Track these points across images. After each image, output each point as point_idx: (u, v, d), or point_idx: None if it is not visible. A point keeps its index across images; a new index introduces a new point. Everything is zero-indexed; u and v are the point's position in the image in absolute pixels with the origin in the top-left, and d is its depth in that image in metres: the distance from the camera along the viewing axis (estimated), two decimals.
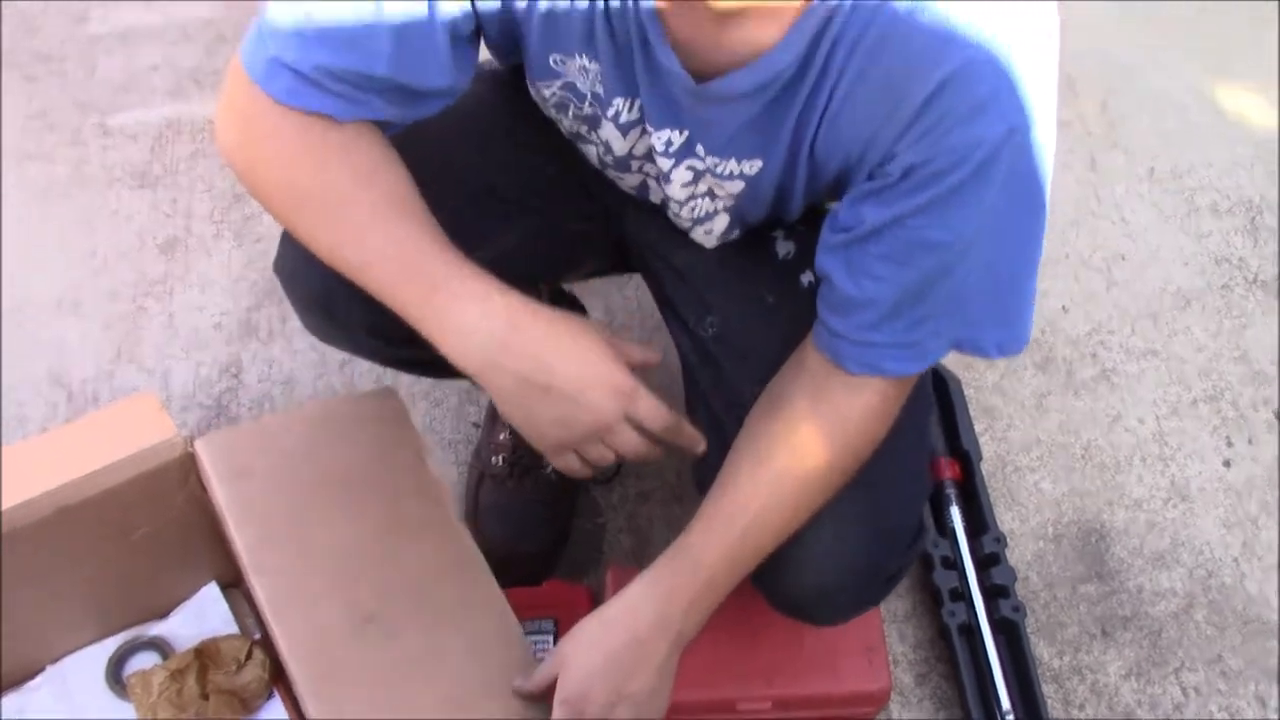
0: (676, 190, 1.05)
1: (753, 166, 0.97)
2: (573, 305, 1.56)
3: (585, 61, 0.96)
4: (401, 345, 1.00)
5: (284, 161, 0.96)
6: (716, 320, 1.15)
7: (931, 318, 0.94)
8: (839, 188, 0.95)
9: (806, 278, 1.12)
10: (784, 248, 1.14)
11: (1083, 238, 1.82)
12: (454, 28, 0.94)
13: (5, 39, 2.00)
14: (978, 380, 1.66)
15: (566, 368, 0.93)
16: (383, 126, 0.98)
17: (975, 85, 0.83)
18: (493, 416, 1.53)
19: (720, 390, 1.13)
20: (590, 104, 1.01)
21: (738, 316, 1.13)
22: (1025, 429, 1.63)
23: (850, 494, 1.01)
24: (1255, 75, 2.03)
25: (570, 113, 1.04)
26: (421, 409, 1.61)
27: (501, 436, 1.50)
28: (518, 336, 0.92)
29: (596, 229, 1.25)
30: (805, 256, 1.12)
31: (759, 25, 0.86)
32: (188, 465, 1.23)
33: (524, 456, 1.47)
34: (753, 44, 0.87)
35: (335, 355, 1.64)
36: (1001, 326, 0.97)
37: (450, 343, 0.93)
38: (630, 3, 0.90)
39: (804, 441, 0.98)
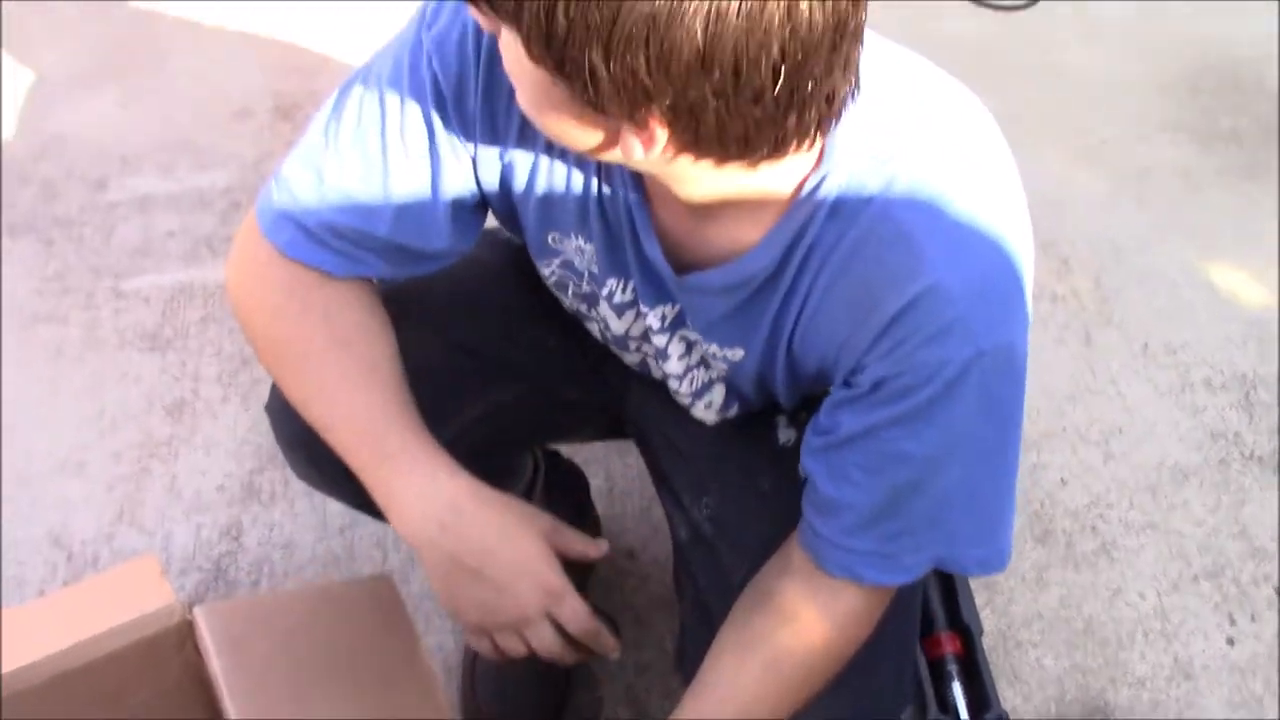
0: (674, 365, 1.07)
1: (735, 354, 1.00)
2: (570, 471, 1.57)
3: (581, 242, 0.99)
4: None
5: (270, 310, 1.01)
6: (712, 502, 1.16)
7: (908, 532, 0.94)
8: (823, 381, 0.97)
9: None
10: (785, 434, 1.15)
11: (1079, 411, 1.84)
12: (457, 200, 0.98)
13: (25, 205, 2.05)
14: None
15: (499, 557, 0.96)
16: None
17: (944, 307, 0.83)
18: None
19: (710, 572, 1.13)
20: (588, 282, 1.04)
21: (734, 501, 1.14)
22: (1026, 603, 1.62)
23: (833, 685, 1.00)
24: (1244, 254, 2.08)
25: (570, 290, 1.07)
26: (420, 575, 1.60)
27: None
28: (456, 519, 0.95)
29: (595, 400, 1.26)
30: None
31: (737, 225, 0.89)
32: (185, 632, 1.22)
33: None
34: (732, 242, 0.90)
35: (335, 520, 1.65)
36: (980, 544, 0.96)
37: (394, 512, 0.97)
38: (620, 191, 0.93)
39: (789, 640, 0.97)
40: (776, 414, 1.15)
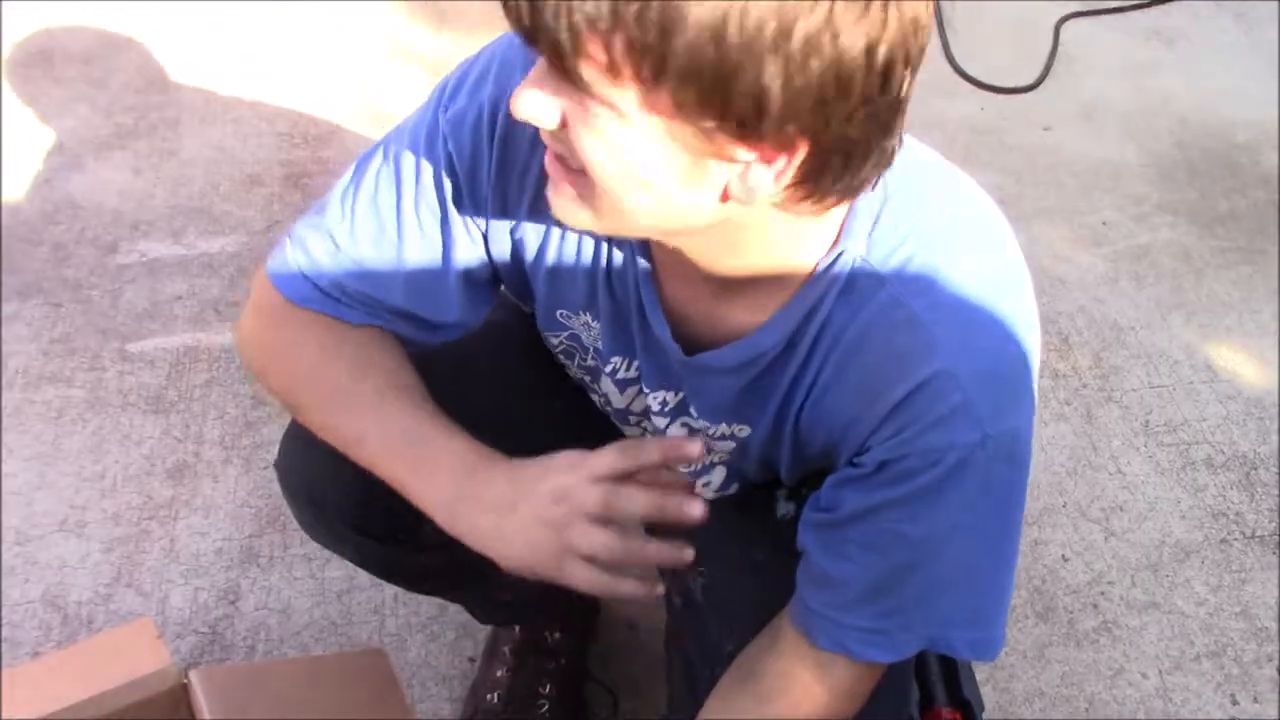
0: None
1: (741, 430, 1.00)
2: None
3: (589, 319, 1.01)
4: (387, 543, 1.02)
5: (288, 344, 1.02)
6: (707, 571, 1.15)
7: (902, 610, 0.94)
8: (828, 459, 0.97)
9: None
10: (784, 508, 1.15)
11: (1081, 488, 1.84)
12: (469, 272, 1.00)
13: (35, 268, 2.07)
14: None
15: (527, 471, 0.90)
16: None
17: (951, 392, 0.84)
18: (490, 653, 1.51)
19: (699, 640, 1.12)
20: (593, 357, 1.05)
21: (727, 570, 1.13)
22: (1028, 680, 1.61)
23: None
24: (1245, 334, 2.09)
25: (576, 361, 1.09)
26: (418, 641, 1.59)
27: (499, 674, 1.48)
28: (487, 464, 0.91)
29: None
30: None
31: (754, 303, 0.90)
32: (179, 695, 1.22)
33: (520, 693, 1.45)
34: (742, 323, 0.91)
35: (334, 585, 1.64)
36: (974, 628, 0.96)
37: (425, 493, 0.92)
38: (630, 268, 0.94)
39: (775, 716, 0.97)
40: (777, 488, 1.16)
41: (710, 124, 0.69)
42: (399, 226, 0.97)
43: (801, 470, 1.04)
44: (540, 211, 0.95)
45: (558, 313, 1.03)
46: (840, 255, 0.85)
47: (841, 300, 0.87)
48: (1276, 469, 1.88)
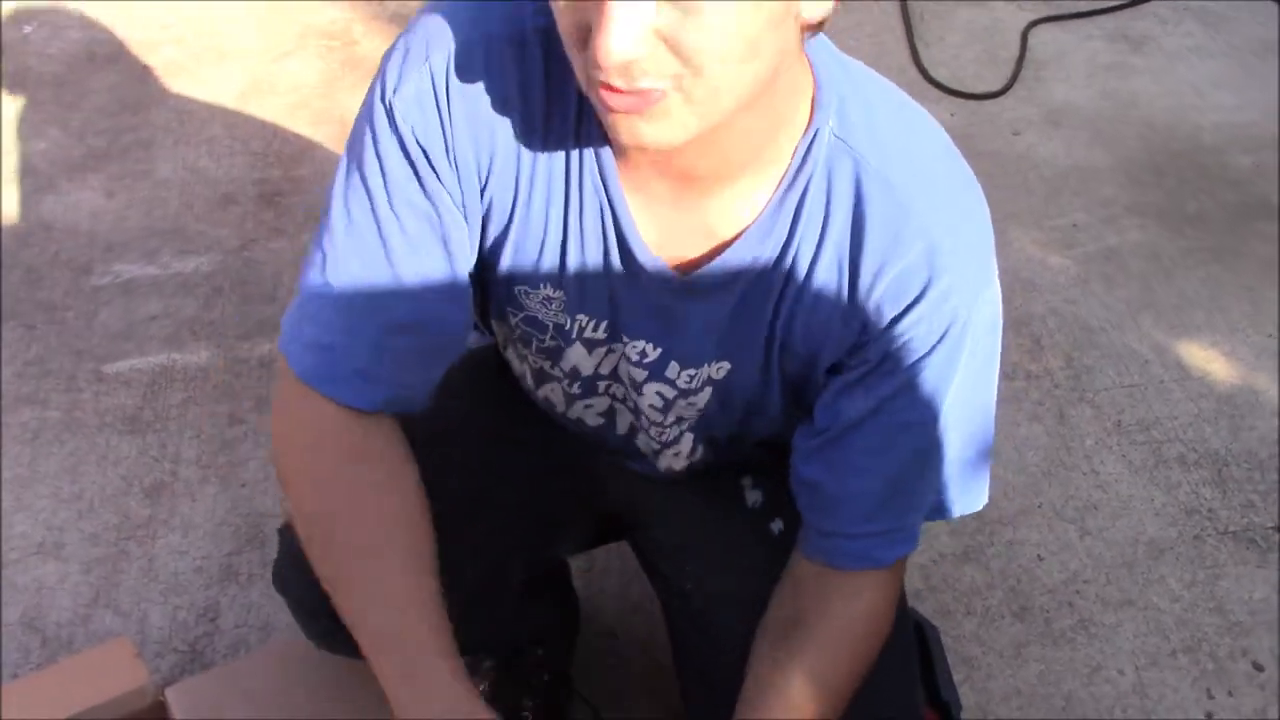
0: (649, 400, 1.06)
1: (721, 370, 1.00)
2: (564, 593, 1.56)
3: (550, 291, 0.99)
4: None
5: (302, 474, 1.00)
6: (693, 569, 1.17)
7: (915, 502, 0.97)
8: (807, 380, 0.97)
9: (776, 525, 1.14)
10: (752, 496, 1.17)
11: (1055, 488, 1.85)
12: (462, 251, 0.97)
13: (9, 291, 2.07)
14: (956, 629, 1.66)
15: None
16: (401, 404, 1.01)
17: (943, 267, 0.87)
18: (472, 669, 1.51)
19: (705, 640, 1.13)
20: (553, 336, 1.04)
21: (715, 564, 1.15)
22: (1005, 679, 1.62)
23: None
24: (1214, 333, 2.11)
25: (533, 347, 1.06)
26: None
27: (481, 688, 1.48)
28: None
29: (575, 507, 1.27)
30: (772, 505, 1.14)
31: (732, 213, 0.90)
32: (158, 713, 1.22)
33: (502, 709, 1.46)
34: (726, 234, 0.91)
35: None
36: (968, 491, 1.00)
37: (403, 699, 0.93)
38: (603, 204, 0.93)
39: (820, 658, 0.98)
40: (741, 476, 1.17)
41: None
42: (380, 233, 0.94)
43: (771, 413, 1.03)
44: (504, 178, 0.93)
45: (516, 289, 1.00)
46: (817, 132, 0.87)
47: (822, 181, 0.88)
48: (1248, 465, 1.89)
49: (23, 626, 1.62)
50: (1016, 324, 2.08)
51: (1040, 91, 2.67)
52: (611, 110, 0.79)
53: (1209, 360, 2.07)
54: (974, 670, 1.63)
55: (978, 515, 1.77)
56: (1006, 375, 1.99)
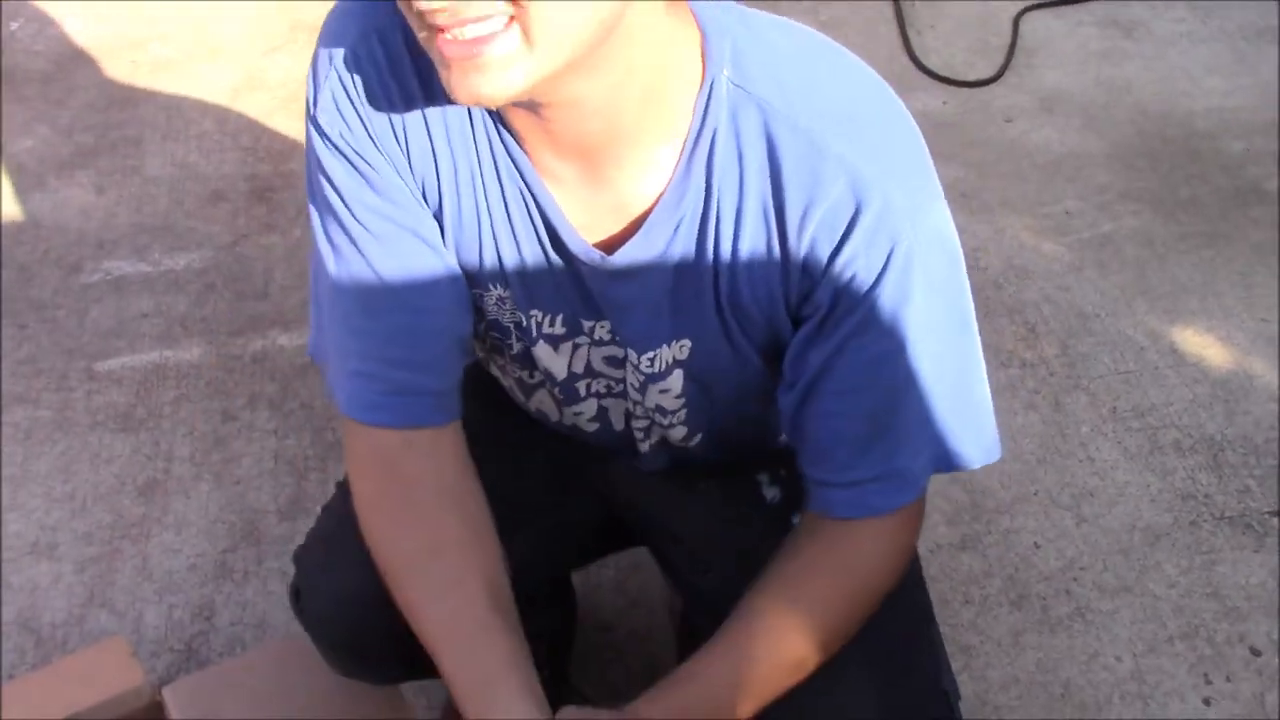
0: (631, 388, 1.04)
1: (683, 349, 0.98)
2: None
3: (501, 291, 0.99)
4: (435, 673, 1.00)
5: (372, 510, 1.00)
6: (715, 572, 1.16)
7: (905, 440, 0.95)
8: (775, 332, 0.96)
9: (796, 518, 1.13)
10: (770, 493, 1.16)
11: (1050, 476, 1.85)
12: (434, 238, 0.97)
13: (0, 289, 2.06)
14: (954, 618, 1.66)
15: None
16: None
17: (869, 199, 0.85)
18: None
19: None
20: (517, 338, 1.03)
21: (738, 563, 1.14)
22: (1003, 667, 1.62)
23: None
24: (1209, 318, 2.11)
25: (507, 356, 1.06)
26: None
27: None
28: None
29: (592, 514, 1.26)
30: (790, 500, 1.13)
31: (644, 180, 0.89)
32: (155, 713, 1.22)
33: None
34: (644, 206, 0.90)
35: None
36: (972, 434, 0.98)
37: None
38: (521, 185, 0.92)
39: (817, 586, 0.97)
40: (757, 472, 1.16)
41: None
42: (356, 246, 0.94)
43: (766, 379, 1.01)
44: (426, 165, 0.92)
45: (472, 293, 1.00)
46: (713, 84, 0.85)
47: (729, 134, 0.86)
48: (1243, 450, 1.89)
49: (17, 627, 1.61)
50: (1010, 311, 2.08)
51: (1032, 78, 2.67)
52: (448, 61, 0.77)
53: (1204, 345, 2.06)
54: (972, 659, 1.62)
55: (974, 504, 1.78)
56: (1002, 363, 1.99)
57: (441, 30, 0.76)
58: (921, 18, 2.82)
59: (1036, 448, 1.89)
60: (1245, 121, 2.55)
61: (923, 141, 0.91)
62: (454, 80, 0.78)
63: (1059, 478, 1.85)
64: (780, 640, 0.95)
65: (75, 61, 2.57)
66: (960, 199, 2.28)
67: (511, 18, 0.75)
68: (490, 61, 0.76)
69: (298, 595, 1.15)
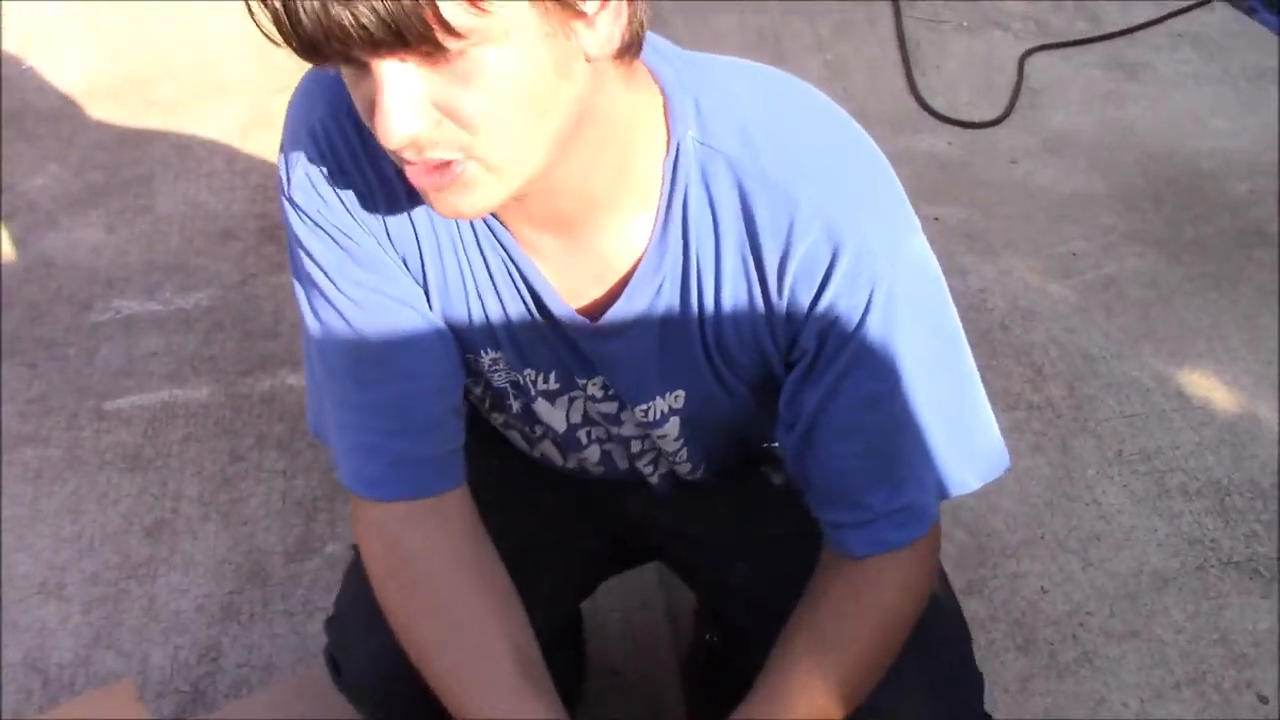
0: (629, 432, 1.05)
1: (678, 399, 0.99)
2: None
3: (494, 354, 1.00)
4: None
5: (381, 585, 1.00)
6: (741, 565, 1.17)
7: (909, 474, 0.95)
8: (767, 376, 0.96)
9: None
10: (777, 479, 1.17)
11: (1057, 519, 1.85)
12: (415, 300, 0.97)
13: (10, 328, 2.07)
14: None
15: None
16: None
17: (844, 240, 0.85)
18: None
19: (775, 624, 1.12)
20: (514, 397, 1.04)
21: (760, 553, 1.14)
22: (1011, 713, 1.61)
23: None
24: (1215, 361, 2.11)
25: (508, 415, 1.07)
26: None
27: None
28: None
29: (605, 541, 1.27)
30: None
31: (622, 245, 0.90)
32: None
33: None
34: (623, 269, 0.91)
35: (316, 642, 1.63)
36: (980, 456, 0.98)
37: None
38: (504, 259, 0.93)
39: (847, 629, 0.96)
40: (760, 466, 1.17)
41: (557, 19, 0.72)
42: (344, 319, 0.95)
43: (765, 414, 1.02)
44: (406, 236, 0.93)
45: (466, 357, 1.00)
46: (679, 146, 0.86)
47: (701, 191, 0.87)
48: (1250, 494, 1.89)
49: (24, 667, 1.61)
50: (1017, 353, 2.08)
51: (1037, 120, 2.68)
52: (418, 186, 0.79)
53: (1209, 389, 2.07)
54: None
55: (980, 547, 1.77)
56: (1009, 406, 1.99)
57: (408, 162, 0.77)
58: (927, 59, 2.84)
59: (1043, 490, 1.89)
60: (1249, 163, 2.56)
61: (890, 170, 0.91)
62: (430, 199, 0.80)
63: (1066, 521, 1.85)
64: (818, 690, 0.95)
65: (86, 100, 2.60)
66: (965, 240, 2.29)
67: (468, 153, 0.76)
68: (459, 184, 0.78)
69: (336, 667, 1.15)
